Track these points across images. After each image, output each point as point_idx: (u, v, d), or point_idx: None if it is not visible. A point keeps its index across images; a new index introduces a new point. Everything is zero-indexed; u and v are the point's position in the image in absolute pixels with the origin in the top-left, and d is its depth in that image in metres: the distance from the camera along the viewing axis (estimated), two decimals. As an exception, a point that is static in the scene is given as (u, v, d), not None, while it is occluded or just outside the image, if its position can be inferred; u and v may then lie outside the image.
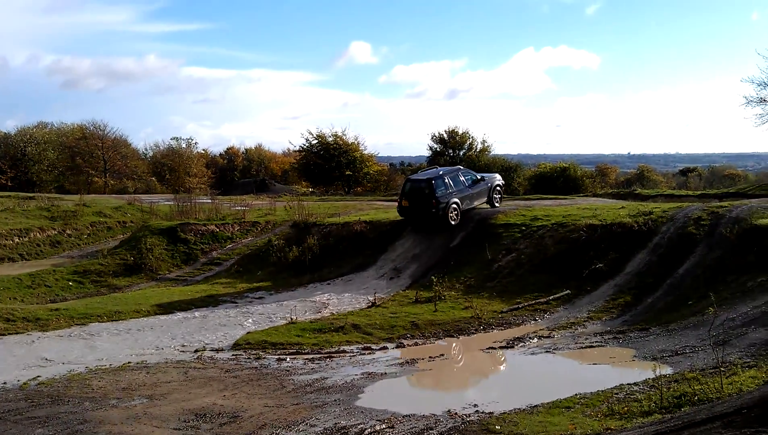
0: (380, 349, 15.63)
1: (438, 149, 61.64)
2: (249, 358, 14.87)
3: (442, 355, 15.01)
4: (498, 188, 28.38)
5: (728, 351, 12.58)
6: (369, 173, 61.66)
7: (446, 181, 25.97)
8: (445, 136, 61.69)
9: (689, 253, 19.42)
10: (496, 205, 27.87)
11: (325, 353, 15.23)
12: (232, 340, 16.48)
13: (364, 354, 15.20)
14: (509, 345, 15.61)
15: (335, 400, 11.70)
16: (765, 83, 44.18)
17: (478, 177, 27.71)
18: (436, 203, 25.12)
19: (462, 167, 29.30)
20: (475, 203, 27.21)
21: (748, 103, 44.92)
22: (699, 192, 42.11)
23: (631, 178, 65.62)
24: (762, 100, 44.41)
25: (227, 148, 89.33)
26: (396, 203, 27.85)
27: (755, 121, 45.86)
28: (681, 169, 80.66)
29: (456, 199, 25.83)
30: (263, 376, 13.37)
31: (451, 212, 25.55)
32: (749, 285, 16.68)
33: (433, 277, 20.73)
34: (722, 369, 11.26)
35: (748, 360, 12.30)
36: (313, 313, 19.41)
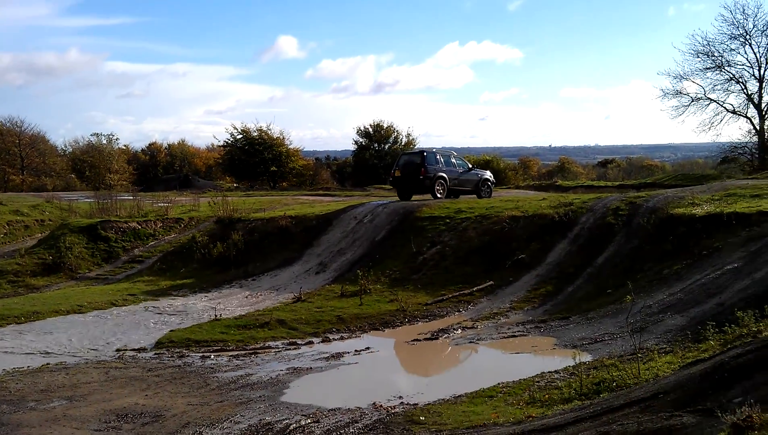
0: (306, 343, 15.60)
1: (363, 143, 61.83)
2: (172, 357, 14.66)
3: (368, 348, 15.05)
4: (488, 183, 30.97)
5: (645, 337, 12.92)
6: (294, 168, 61.48)
7: (438, 157, 29.26)
8: (370, 130, 61.92)
9: (608, 243, 19.90)
10: (483, 196, 30.09)
11: (250, 349, 15.13)
12: (154, 338, 16.21)
13: (290, 349, 15.14)
14: (434, 337, 15.75)
15: (260, 396, 11.63)
16: (680, 76, 45.76)
17: (470, 166, 30.96)
18: (424, 173, 28.27)
19: (456, 153, 31.73)
20: (462, 187, 30.04)
21: (664, 95, 46.54)
22: (618, 183, 43.27)
23: (552, 169, 66.94)
24: (678, 93, 45.99)
25: (150, 144, 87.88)
26: (322, 197, 28.30)
27: (671, 113, 47.52)
28: (600, 160, 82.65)
29: (444, 175, 28.87)
30: (187, 375, 13.20)
31: (438, 185, 28.55)
32: (665, 273, 17.17)
33: (358, 271, 20.76)
34: (639, 355, 11.56)
35: (665, 346, 12.66)
36: (238, 309, 19.26)
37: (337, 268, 23.11)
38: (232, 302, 20.25)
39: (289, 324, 16.98)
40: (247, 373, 13.25)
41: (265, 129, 60.08)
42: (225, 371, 13.42)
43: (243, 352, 14.91)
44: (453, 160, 30.05)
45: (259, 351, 15.02)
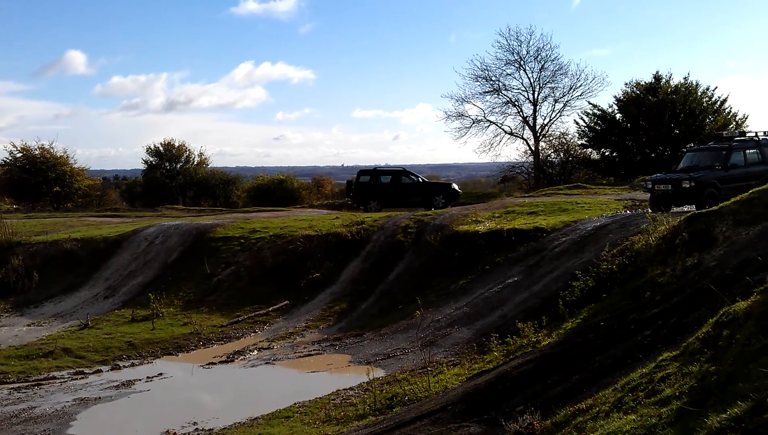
0: (94, 372, 14.99)
1: (154, 162, 60.05)
2: (-56, 393, 13.61)
3: (161, 374, 14.68)
4: (441, 196, 31.75)
5: (435, 351, 13.48)
6: (80, 188, 58.72)
7: (377, 176, 32.37)
8: (161, 148, 60.22)
9: (398, 260, 20.55)
10: (438, 207, 30.17)
11: (33, 381, 14.33)
12: (-77, 374, 14.97)
13: (77, 379, 14.50)
14: (229, 359, 15.61)
15: (44, 431, 11.08)
16: (462, 99, 47.92)
17: (422, 181, 32.78)
18: (356, 190, 32.19)
19: (407, 170, 33.82)
20: (410, 199, 31.71)
21: (447, 117, 48.45)
22: (407, 201, 44.51)
23: (345, 189, 67.83)
24: (460, 115, 48.07)
25: None
26: (110, 218, 27.48)
27: (454, 135, 49.69)
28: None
29: (378, 193, 31.60)
30: (-39, 412, 12.31)
31: (371, 202, 31.21)
32: (452, 288, 17.97)
33: (150, 294, 20.16)
34: (429, 368, 12.05)
35: (453, 358, 13.26)
36: (19, 338, 18.13)
37: (127, 292, 22.31)
38: (12, 331, 19.03)
39: (75, 352, 16.23)
40: (30, 406, 12.56)
41: (47, 147, 56.98)
42: (5, 405, 12.66)
43: (25, 384, 14.11)
44: (400, 177, 32.34)
45: (43, 382, 14.27)
